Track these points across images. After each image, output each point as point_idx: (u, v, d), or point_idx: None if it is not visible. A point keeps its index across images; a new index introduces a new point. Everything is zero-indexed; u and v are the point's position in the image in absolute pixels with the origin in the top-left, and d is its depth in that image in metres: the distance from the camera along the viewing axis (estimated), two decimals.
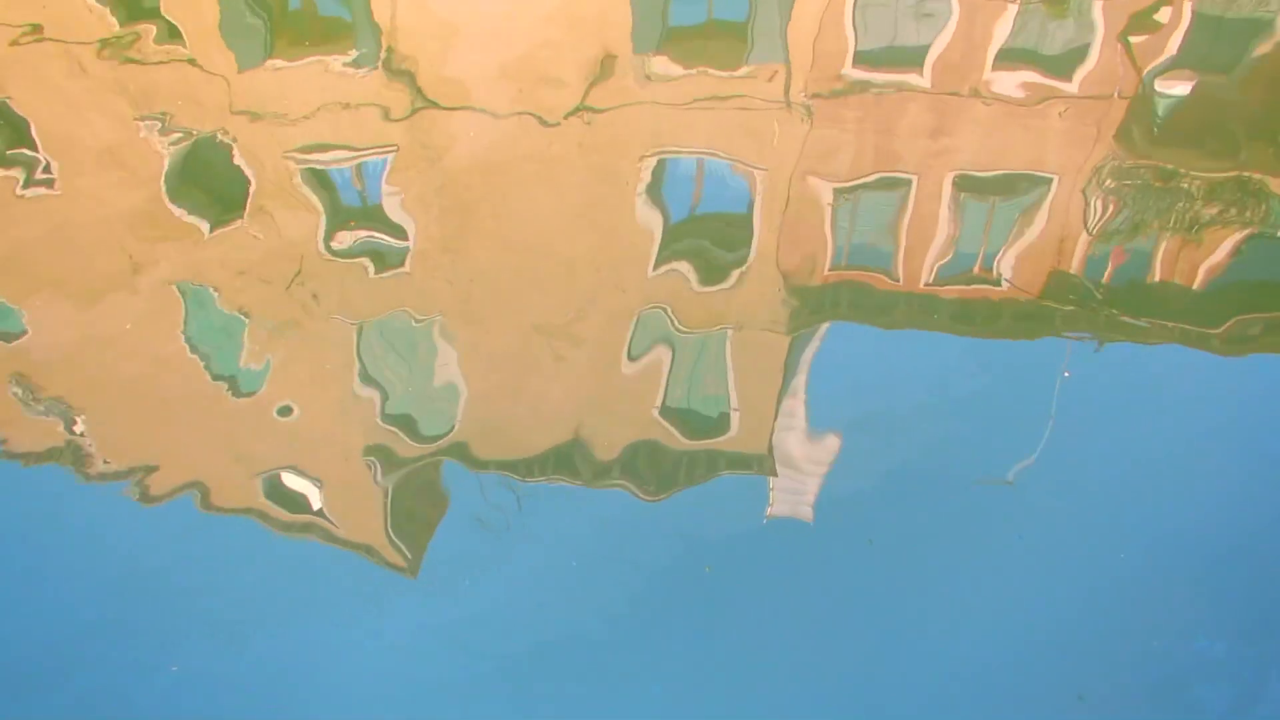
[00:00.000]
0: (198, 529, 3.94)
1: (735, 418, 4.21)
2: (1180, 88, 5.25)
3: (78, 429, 4.24)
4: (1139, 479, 3.91)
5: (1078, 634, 3.56)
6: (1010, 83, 5.35)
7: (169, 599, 3.71)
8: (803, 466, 4.01)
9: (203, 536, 3.92)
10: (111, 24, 6.01)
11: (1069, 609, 3.61)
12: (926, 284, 4.59)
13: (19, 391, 4.35)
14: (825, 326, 4.47)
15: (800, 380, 4.28)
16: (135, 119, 5.43)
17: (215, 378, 4.39)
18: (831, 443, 4.08)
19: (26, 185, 5.19)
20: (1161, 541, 3.75)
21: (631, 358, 4.42)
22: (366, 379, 4.38)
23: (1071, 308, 4.44)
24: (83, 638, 3.63)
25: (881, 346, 4.42)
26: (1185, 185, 4.87)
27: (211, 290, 4.69)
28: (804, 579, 3.74)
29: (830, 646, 3.59)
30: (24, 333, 4.57)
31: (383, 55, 5.75)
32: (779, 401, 4.23)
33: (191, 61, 5.75)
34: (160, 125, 5.41)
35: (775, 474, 4.01)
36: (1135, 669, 3.49)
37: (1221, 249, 4.66)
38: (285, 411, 4.30)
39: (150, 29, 5.99)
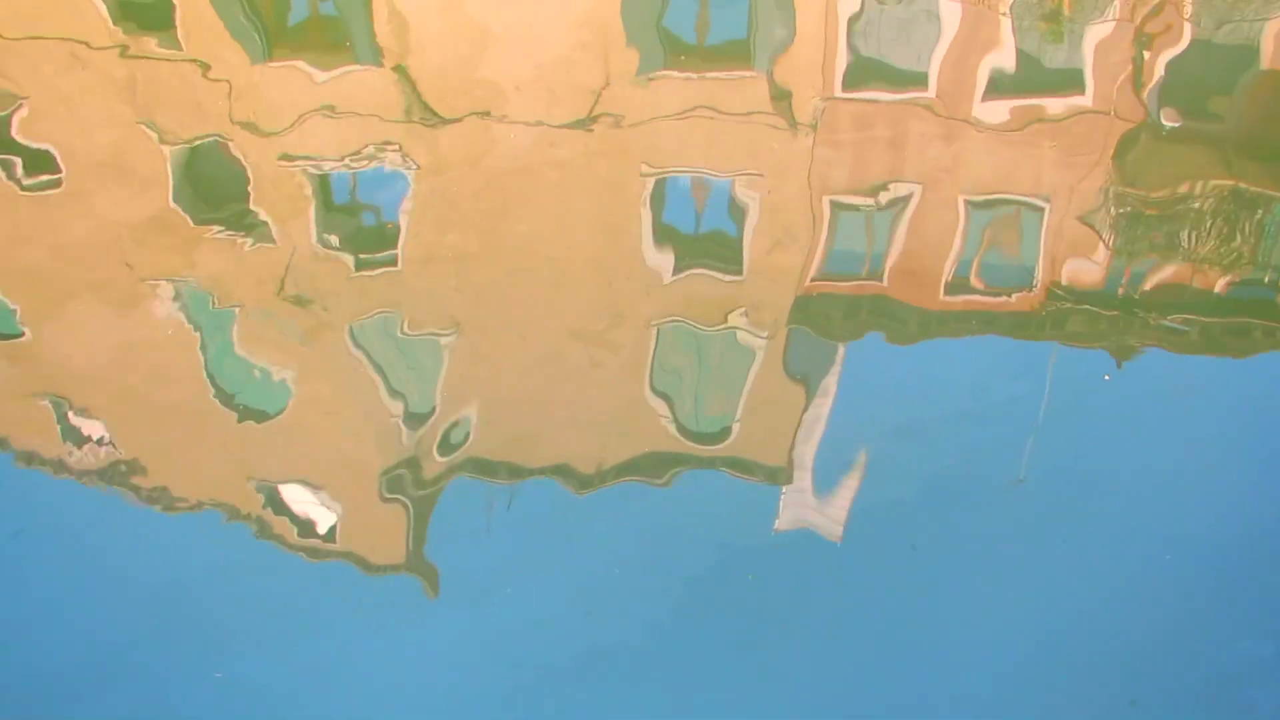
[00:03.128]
0: (240, 537, 3.93)
1: (737, 428, 4.22)
2: (1177, 116, 5.26)
3: (104, 445, 4.24)
4: (1184, 481, 3.92)
5: (1127, 639, 3.55)
6: (1005, 105, 5.35)
7: (212, 607, 3.69)
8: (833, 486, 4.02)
9: (245, 544, 3.91)
10: (113, 26, 5.95)
11: (1117, 614, 3.60)
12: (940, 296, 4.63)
13: (50, 404, 4.35)
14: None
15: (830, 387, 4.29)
16: (138, 122, 5.40)
17: (231, 396, 4.38)
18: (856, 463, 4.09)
19: (29, 189, 5.17)
20: (1207, 543, 3.75)
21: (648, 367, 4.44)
22: (388, 392, 4.38)
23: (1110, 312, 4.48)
24: (127, 646, 3.61)
25: (917, 353, 4.46)
26: (1188, 208, 4.89)
27: (226, 305, 4.67)
28: (847, 586, 3.73)
29: (874, 654, 3.58)
30: (21, 335, 4.55)
31: (390, 59, 5.72)
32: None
33: (197, 64, 5.71)
34: (165, 131, 5.39)
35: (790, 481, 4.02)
36: (1185, 672, 3.48)
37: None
38: (306, 428, 4.30)
39: (162, 32, 5.94)
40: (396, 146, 5.28)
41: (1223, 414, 4.14)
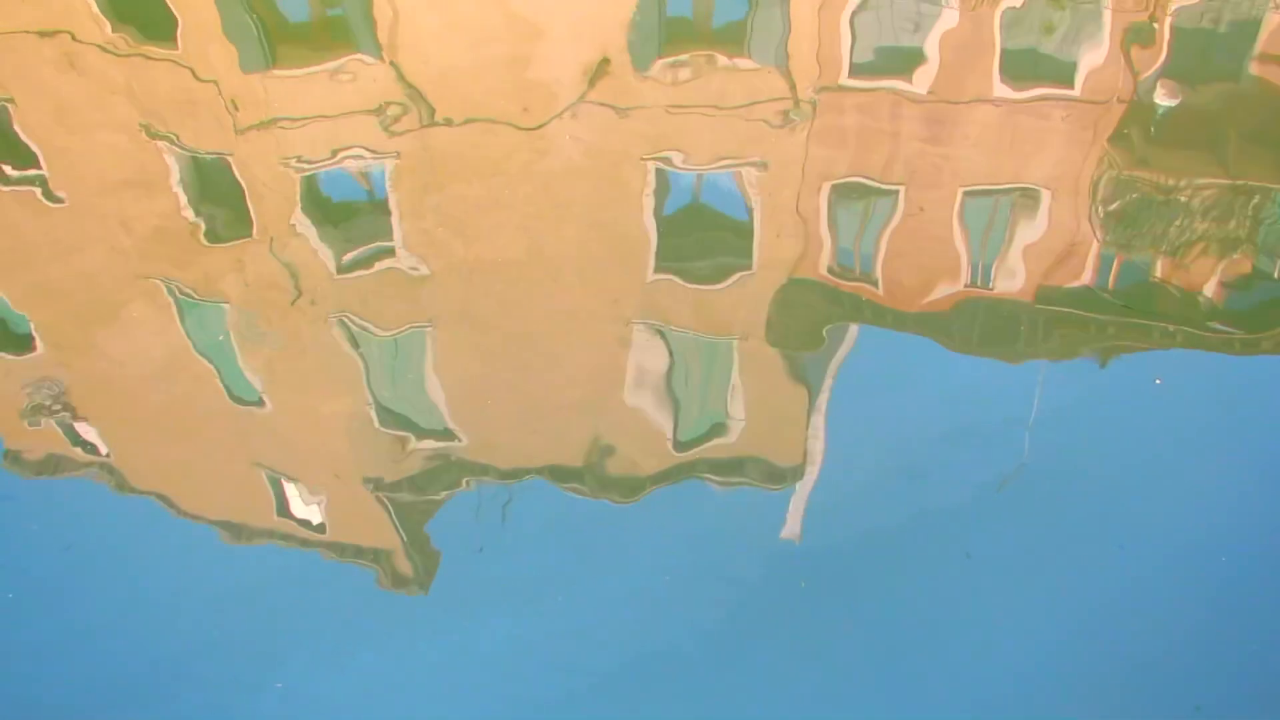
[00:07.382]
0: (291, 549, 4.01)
1: (737, 426, 4.22)
2: (1172, 97, 5.18)
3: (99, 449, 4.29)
4: (1241, 485, 3.88)
5: (1189, 645, 3.54)
6: (1009, 89, 5.29)
7: (272, 618, 3.74)
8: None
9: (301, 555, 3.97)
10: (122, 34, 5.95)
11: (1178, 619, 3.58)
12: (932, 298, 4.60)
13: (45, 407, 4.38)
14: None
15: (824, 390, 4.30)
16: (143, 131, 5.42)
17: (237, 398, 4.42)
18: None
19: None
20: (1266, 546, 3.72)
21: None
22: (399, 397, 4.41)
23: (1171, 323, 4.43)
24: (190, 656, 3.66)
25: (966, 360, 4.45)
26: (1185, 197, 4.82)
27: (226, 306, 4.68)
28: (900, 593, 3.71)
29: (930, 661, 3.56)
30: (32, 347, 4.60)
31: (385, 61, 5.70)
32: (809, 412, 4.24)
33: (192, 73, 5.72)
34: (175, 139, 5.41)
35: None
36: (1246, 676, 3.46)
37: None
38: (315, 428, 4.34)
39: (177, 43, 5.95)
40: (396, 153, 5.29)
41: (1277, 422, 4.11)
